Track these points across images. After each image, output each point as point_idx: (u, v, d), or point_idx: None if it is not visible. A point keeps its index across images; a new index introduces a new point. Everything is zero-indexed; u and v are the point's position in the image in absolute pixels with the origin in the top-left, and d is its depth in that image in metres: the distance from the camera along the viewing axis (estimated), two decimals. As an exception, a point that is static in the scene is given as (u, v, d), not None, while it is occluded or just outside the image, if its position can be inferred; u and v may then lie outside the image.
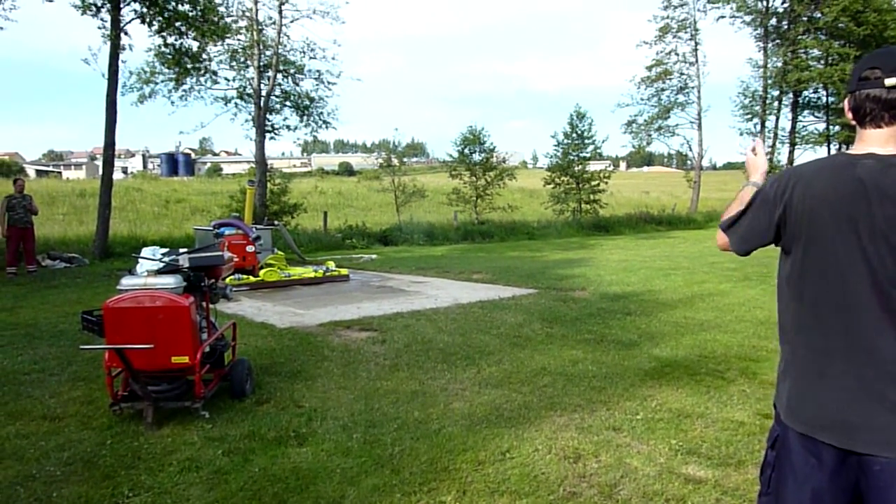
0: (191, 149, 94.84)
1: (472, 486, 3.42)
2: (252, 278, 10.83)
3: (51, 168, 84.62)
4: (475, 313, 7.93)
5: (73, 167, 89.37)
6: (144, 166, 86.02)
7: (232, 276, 10.83)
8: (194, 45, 14.86)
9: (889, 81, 1.76)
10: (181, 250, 4.91)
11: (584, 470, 3.59)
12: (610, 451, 3.83)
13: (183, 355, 4.34)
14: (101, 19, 13.65)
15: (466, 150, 28.36)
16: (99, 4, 13.16)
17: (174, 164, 75.53)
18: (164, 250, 4.85)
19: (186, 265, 4.64)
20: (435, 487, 3.41)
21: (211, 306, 5.21)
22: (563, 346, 6.27)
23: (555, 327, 7.12)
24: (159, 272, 4.47)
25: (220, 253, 4.89)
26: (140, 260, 4.67)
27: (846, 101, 1.95)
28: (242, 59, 22.81)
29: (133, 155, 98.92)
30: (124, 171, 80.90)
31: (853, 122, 1.91)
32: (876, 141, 1.81)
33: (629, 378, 5.24)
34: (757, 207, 2.00)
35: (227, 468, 3.69)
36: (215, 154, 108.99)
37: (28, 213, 13.11)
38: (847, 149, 1.99)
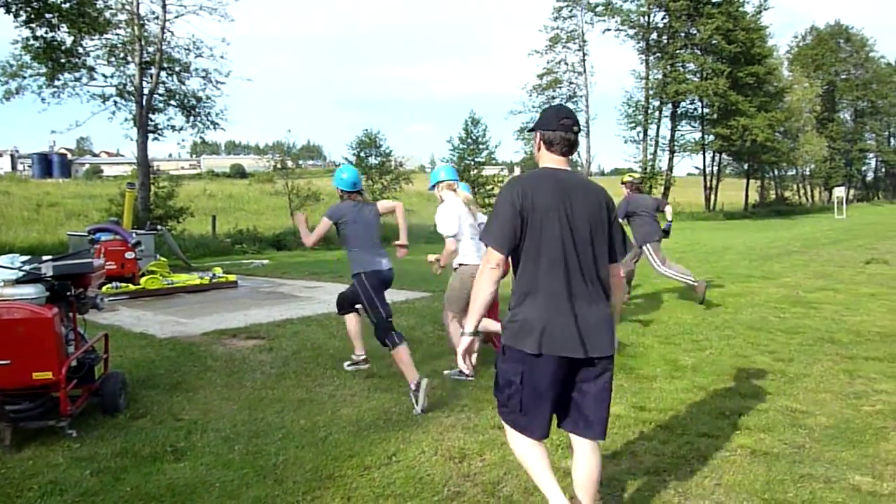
0: (67, 149, 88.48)
1: (357, 492, 3.39)
2: (132, 286, 10.26)
3: None
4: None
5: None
6: (14, 167, 79.41)
7: (110, 285, 10.22)
8: (68, 39, 13.88)
9: (573, 129, 2.79)
10: (44, 258, 4.58)
11: (469, 469, 3.65)
12: (495, 449, 3.91)
13: (45, 371, 4.04)
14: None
15: (362, 154, 28.23)
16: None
17: (48, 164, 70.21)
18: (25, 258, 4.51)
19: (50, 274, 4.33)
20: (319, 496, 3.36)
21: (81, 317, 4.91)
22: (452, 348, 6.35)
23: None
24: (18, 282, 4.15)
25: (88, 260, 4.59)
26: (-3, 269, 4.31)
27: (538, 133, 2.84)
28: (122, 55, 21.61)
29: (1, 155, 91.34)
30: (-9, 172, 74.54)
31: (540, 149, 2.84)
32: (559, 163, 2.82)
33: (515, 377, 5.37)
34: (503, 215, 2.72)
35: (96, 489, 3.47)
36: (95, 155, 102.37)
37: None
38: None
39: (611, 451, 3.86)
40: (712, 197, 44.29)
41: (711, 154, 43.85)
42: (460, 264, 5.69)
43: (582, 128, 3.39)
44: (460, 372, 3.24)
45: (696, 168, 45.88)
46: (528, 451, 2.86)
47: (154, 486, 3.48)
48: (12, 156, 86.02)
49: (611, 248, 2.84)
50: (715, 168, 45.24)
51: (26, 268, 4.31)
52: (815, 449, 3.85)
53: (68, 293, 4.43)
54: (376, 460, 3.77)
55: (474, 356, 3.57)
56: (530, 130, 2.99)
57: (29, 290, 4.08)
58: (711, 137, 40.42)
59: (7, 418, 3.99)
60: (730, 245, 18.48)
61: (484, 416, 4.46)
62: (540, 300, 2.68)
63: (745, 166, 48.03)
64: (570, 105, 36.80)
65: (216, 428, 4.31)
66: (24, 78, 19.03)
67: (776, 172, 53.23)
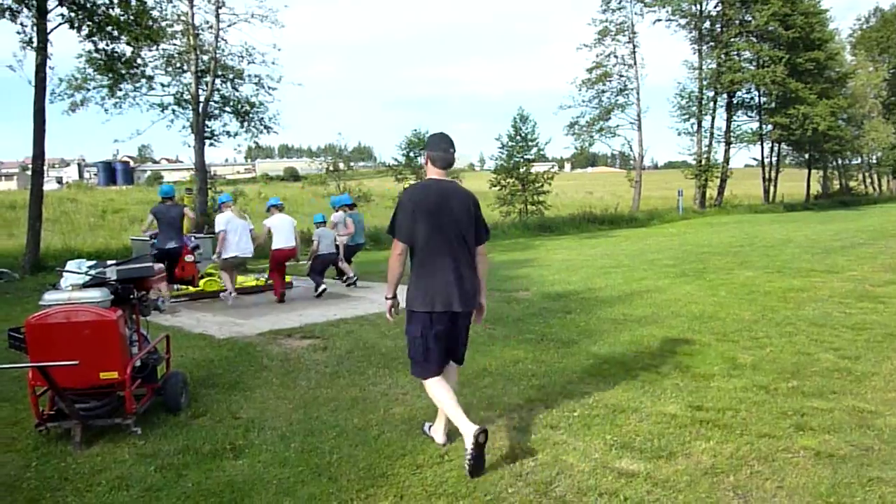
0: (129, 157, 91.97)
1: (409, 491, 3.42)
2: (191, 288, 10.57)
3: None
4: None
5: (3, 178, 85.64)
6: (80, 176, 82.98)
7: (171, 287, 10.56)
8: (128, 51, 14.39)
9: (450, 151, 3.92)
10: (109, 262, 4.77)
11: (521, 469, 3.64)
12: (547, 448, 3.89)
13: (112, 371, 4.20)
14: (22, 24, 13.11)
15: (412, 154, 28.39)
16: (14, 8, 12.61)
17: (112, 172, 73.06)
18: (91, 263, 4.69)
19: (114, 278, 4.51)
20: (372, 494, 3.40)
21: (144, 319, 5.10)
22: (504, 347, 6.34)
23: (497, 328, 7.19)
24: (85, 286, 4.33)
25: (149, 264, 4.76)
26: (64, 274, 4.51)
27: (427, 154, 3.97)
28: (178, 65, 22.28)
29: (68, 164, 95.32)
30: (59, 181, 77.89)
31: (427, 164, 3.97)
32: (440, 174, 3.93)
33: (568, 376, 5.33)
34: (403, 215, 3.82)
35: (159, 485, 3.60)
36: (155, 161, 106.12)
37: None
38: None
39: (666, 451, 3.79)
40: (771, 189, 42.89)
41: (770, 144, 42.46)
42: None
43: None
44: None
45: (754, 159, 44.56)
46: (439, 390, 3.88)
47: (214, 483, 3.58)
48: (79, 165, 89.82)
49: (477, 235, 3.97)
50: (774, 159, 43.78)
51: (92, 272, 4.49)
52: (885, 451, 3.70)
53: (131, 296, 4.61)
54: (428, 459, 3.79)
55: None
56: (422, 149, 4.73)
57: (95, 294, 4.25)
58: (770, 127, 39.11)
59: (77, 416, 4.17)
60: (791, 238, 17.87)
61: (536, 415, 4.44)
62: (431, 275, 3.82)
63: (807, 156, 46.32)
64: (621, 98, 36.45)
65: (273, 426, 4.41)
66: (88, 90, 19.88)
67: (840, 162, 51.19)
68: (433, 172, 3.95)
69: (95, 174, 77.52)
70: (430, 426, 4.21)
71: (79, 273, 4.47)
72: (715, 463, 3.61)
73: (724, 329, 6.84)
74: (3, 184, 75.65)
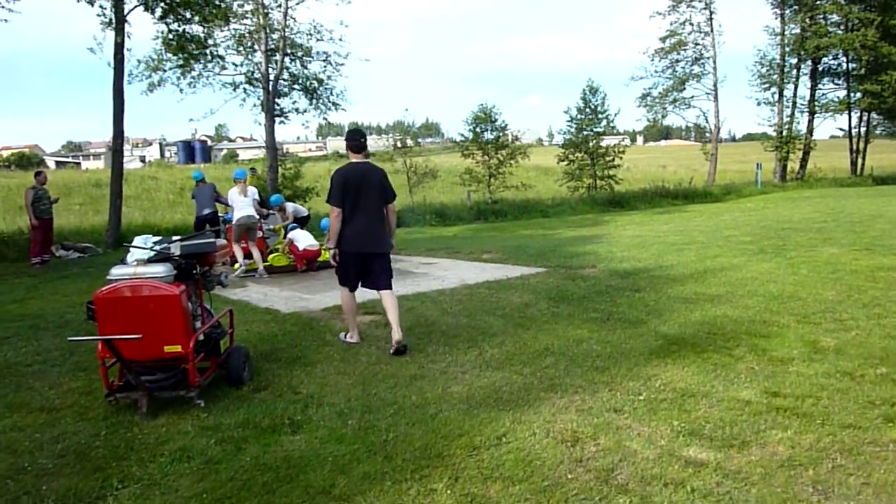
0: (207, 136, 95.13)
1: (464, 473, 3.33)
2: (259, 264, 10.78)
3: (70, 159, 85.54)
4: (481, 294, 7.82)
5: (91, 157, 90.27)
6: (162, 155, 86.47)
7: (238, 263, 10.81)
8: (199, 31, 14.71)
9: (361, 141, 5.76)
10: (174, 238, 4.85)
11: (582, 454, 3.49)
12: (609, 433, 3.72)
13: (175, 344, 4.28)
14: (101, 6, 13.56)
15: (478, 129, 28.10)
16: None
17: (191, 151, 75.66)
18: (156, 239, 4.79)
19: (178, 253, 4.58)
20: (427, 475, 3.33)
21: (211, 293, 5.20)
22: (568, 326, 6.15)
23: (561, 306, 7.00)
24: (149, 261, 4.41)
25: (211, 240, 4.81)
26: (131, 249, 4.61)
27: (347, 144, 5.79)
28: (249, 44, 22.71)
29: (150, 144, 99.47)
30: (142, 159, 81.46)
31: (349, 151, 5.75)
32: (358, 158, 5.67)
33: (634, 357, 5.11)
34: (337, 187, 5.52)
35: (219, 457, 3.64)
36: (231, 140, 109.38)
37: (51, 205, 13.36)
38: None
39: (738, 440, 3.56)
40: (859, 161, 40.36)
41: (858, 114, 39.84)
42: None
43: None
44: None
45: (841, 130, 41.95)
46: (348, 300, 5.86)
47: (272, 458, 3.60)
48: (160, 144, 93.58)
49: (385, 198, 5.69)
50: (862, 129, 41.11)
51: (157, 248, 4.58)
52: None
53: (194, 271, 4.67)
54: (485, 440, 3.69)
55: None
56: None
57: (159, 269, 4.33)
58: (858, 95, 36.67)
59: (143, 388, 4.28)
60: (881, 213, 16.73)
61: (599, 398, 4.27)
62: (353, 227, 5.57)
63: (900, 126, 43.36)
64: (696, 68, 35.03)
65: (331, 402, 4.40)
66: (165, 71, 20.54)
67: (937, 131, 47.58)
68: (353, 157, 5.72)
69: (175, 153, 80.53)
70: (346, 335, 5.94)
71: (144, 248, 4.56)
72: (792, 455, 3.36)
73: (804, 310, 6.42)
74: (91, 163, 79.66)
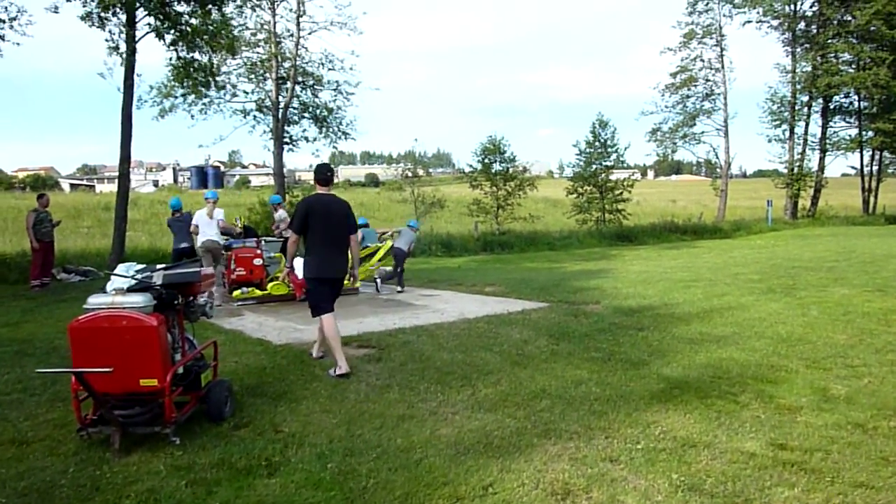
0: (220, 161, 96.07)
1: (445, 527, 3.10)
2: (258, 291, 10.64)
3: (84, 182, 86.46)
4: (480, 329, 7.61)
5: (105, 180, 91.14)
6: (175, 179, 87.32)
7: (239, 290, 10.67)
8: (205, 59, 14.80)
9: (328, 174, 6.25)
10: (158, 267, 4.70)
11: (572, 508, 3.26)
12: (603, 486, 3.49)
13: (151, 378, 4.10)
14: (110, 31, 13.67)
15: (487, 160, 28.07)
16: (102, 16, 13.16)
17: (203, 176, 76.33)
18: (139, 267, 4.64)
19: (159, 282, 4.42)
20: (405, 528, 3.10)
21: (206, 321, 5.05)
22: (567, 365, 5.92)
23: (561, 344, 6.77)
24: (129, 290, 4.26)
25: (195, 269, 4.66)
26: (112, 277, 4.46)
27: (315, 177, 6.23)
28: (261, 72, 22.92)
29: (164, 168, 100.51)
30: (155, 183, 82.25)
31: (315, 183, 6.20)
32: (324, 189, 6.08)
33: (634, 401, 4.87)
34: (299, 216, 5.90)
35: (188, 501, 3.44)
36: (244, 166, 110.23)
37: (53, 228, 13.32)
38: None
39: (742, 496, 3.32)
40: (871, 199, 40.03)
41: (871, 152, 39.64)
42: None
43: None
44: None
45: (853, 168, 41.69)
46: (328, 323, 5.97)
47: (243, 503, 3.39)
48: (174, 169, 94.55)
49: (348, 229, 6.03)
50: (875, 167, 40.86)
51: (138, 276, 4.42)
52: None
53: (176, 301, 4.51)
54: (470, 490, 3.46)
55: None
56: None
57: (137, 299, 4.16)
58: (870, 134, 36.49)
59: (116, 423, 4.09)
60: (893, 253, 16.43)
61: (595, 445, 4.03)
62: (318, 255, 5.92)
63: (913, 165, 43.08)
64: (706, 104, 35.05)
65: (313, 443, 4.19)
66: (176, 97, 20.69)
67: (950, 171, 47.21)
68: (320, 189, 6.12)
69: (189, 178, 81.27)
70: (334, 370, 5.81)
71: (125, 277, 4.40)
72: (799, 516, 3.12)
73: (814, 354, 6.17)
74: (105, 186, 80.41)
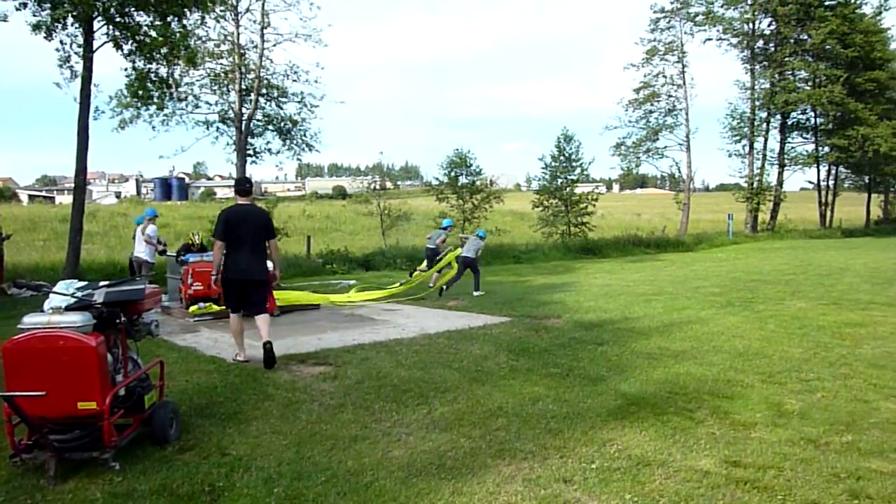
0: (185, 173, 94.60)
1: (392, 555, 3.00)
2: (215, 307, 10.38)
3: (43, 193, 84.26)
4: (440, 345, 7.52)
5: (66, 192, 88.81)
6: (138, 191, 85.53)
7: (196, 305, 10.42)
8: (163, 71, 14.51)
9: (246, 186, 6.99)
10: (100, 284, 4.52)
11: (523, 532, 3.18)
12: (556, 508, 3.42)
13: (90, 400, 3.92)
14: (61, 41, 13.33)
15: (453, 173, 28.10)
16: (50, 26, 12.82)
17: (168, 188, 74.99)
18: (81, 284, 4.45)
19: (100, 300, 4.24)
20: (350, 556, 2.99)
21: (158, 338, 4.88)
22: (525, 382, 5.86)
23: (521, 360, 6.72)
24: (67, 309, 4.07)
25: (139, 287, 4.49)
26: (50, 295, 4.27)
27: (234, 188, 7.19)
28: (225, 83, 22.61)
29: (127, 180, 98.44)
30: (117, 195, 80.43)
31: (236, 194, 6.97)
32: (244, 200, 6.77)
33: (590, 419, 4.83)
34: (221, 224, 6.56)
35: (123, 532, 3.26)
36: (209, 178, 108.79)
37: (2, 241, 12.86)
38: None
39: (694, 517, 3.27)
40: (828, 213, 41.14)
41: (827, 167, 40.81)
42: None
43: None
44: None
45: (810, 182, 42.79)
46: (235, 322, 6.81)
47: (181, 533, 3.23)
48: (137, 180, 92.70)
49: (266, 236, 6.72)
50: (831, 182, 42.05)
51: (78, 294, 4.24)
52: (958, 529, 3.11)
53: (118, 320, 4.34)
54: (420, 515, 3.36)
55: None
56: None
57: (75, 318, 3.98)
58: (826, 149, 37.58)
59: (52, 448, 3.89)
60: (848, 266, 16.84)
61: (549, 465, 3.97)
62: (234, 258, 6.56)
63: (867, 179, 44.42)
64: (669, 119, 35.68)
65: (260, 466, 4.04)
66: (137, 108, 20.25)
67: (903, 186, 48.81)
68: (240, 199, 6.78)
69: (152, 189, 79.75)
70: (236, 354, 6.90)
71: (64, 295, 4.22)
72: (751, 536, 3.09)
73: (770, 368, 6.22)
74: (66, 197, 78.39)
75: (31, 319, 4.01)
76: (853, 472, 3.78)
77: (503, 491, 3.63)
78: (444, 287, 12.81)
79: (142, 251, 12.73)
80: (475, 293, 12.52)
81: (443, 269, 13.59)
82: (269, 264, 7.13)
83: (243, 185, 7.00)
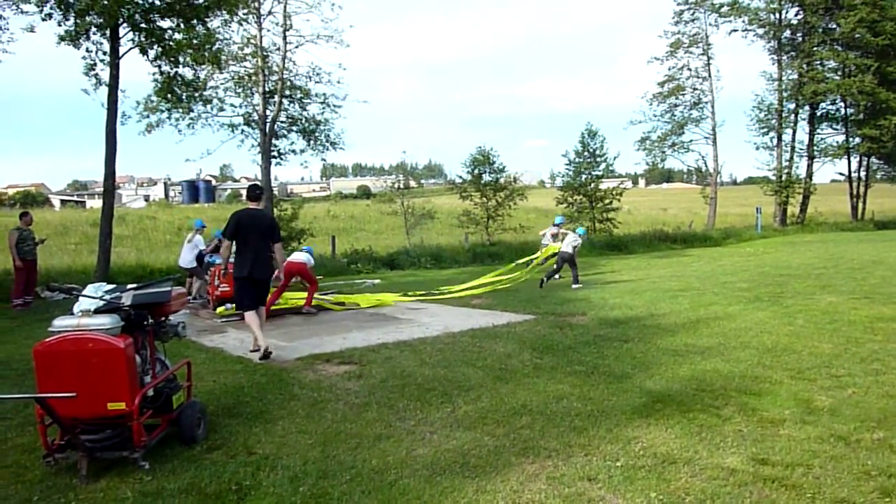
0: (212, 175, 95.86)
1: (416, 553, 3.01)
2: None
3: (75, 198, 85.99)
4: (464, 343, 7.52)
5: (96, 196, 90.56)
6: (166, 195, 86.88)
7: (223, 306, 10.56)
8: (189, 74, 14.71)
9: (256, 192, 7.51)
10: (128, 287, 4.61)
11: (547, 531, 3.17)
12: (580, 506, 3.41)
13: (119, 401, 4.00)
14: (87, 49, 13.57)
15: (477, 171, 28.06)
16: (75, 34, 13.05)
17: (195, 191, 76.01)
18: (110, 287, 4.54)
19: (127, 303, 4.33)
20: (374, 555, 3.01)
21: (185, 340, 5.00)
22: (549, 380, 5.84)
23: (545, 357, 6.70)
24: (96, 311, 4.16)
25: (165, 289, 4.56)
26: (79, 298, 4.36)
27: (246, 195, 7.66)
28: (248, 86, 22.85)
29: (155, 183, 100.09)
30: (146, 199, 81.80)
31: (246, 199, 7.59)
32: (253, 205, 7.30)
33: (615, 417, 4.80)
34: (231, 226, 7.14)
35: (153, 530, 3.33)
36: (235, 180, 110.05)
37: (35, 246, 13.16)
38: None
39: (720, 516, 3.24)
40: (860, 205, 40.25)
41: (858, 158, 39.89)
42: None
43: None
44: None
45: (841, 174, 41.90)
46: (252, 318, 7.14)
47: (209, 531, 3.29)
48: (165, 184, 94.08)
49: (272, 238, 7.24)
50: (862, 173, 41.11)
51: (107, 297, 4.33)
52: None
53: (145, 322, 4.42)
54: (444, 514, 3.38)
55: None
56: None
57: (104, 321, 4.07)
58: (857, 140, 36.75)
59: (83, 448, 3.98)
60: (881, 259, 16.47)
61: (573, 463, 3.95)
62: (243, 257, 7.08)
63: (900, 170, 43.36)
64: (694, 112, 35.19)
65: (286, 465, 4.09)
66: (162, 112, 20.57)
67: (938, 176, 47.61)
68: (251, 204, 7.31)
69: (180, 192, 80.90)
70: (251, 348, 7.35)
71: (93, 298, 4.31)
72: (778, 535, 3.05)
73: (799, 364, 6.11)
74: (97, 202, 79.89)
75: (61, 322, 4.11)
76: (884, 469, 3.71)
77: (527, 489, 3.63)
78: (545, 279, 13.60)
79: (189, 260, 13.36)
80: (574, 286, 13.08)
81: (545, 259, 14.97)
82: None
83: (254, 191, 7.49)
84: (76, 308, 4.26)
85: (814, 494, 3.44)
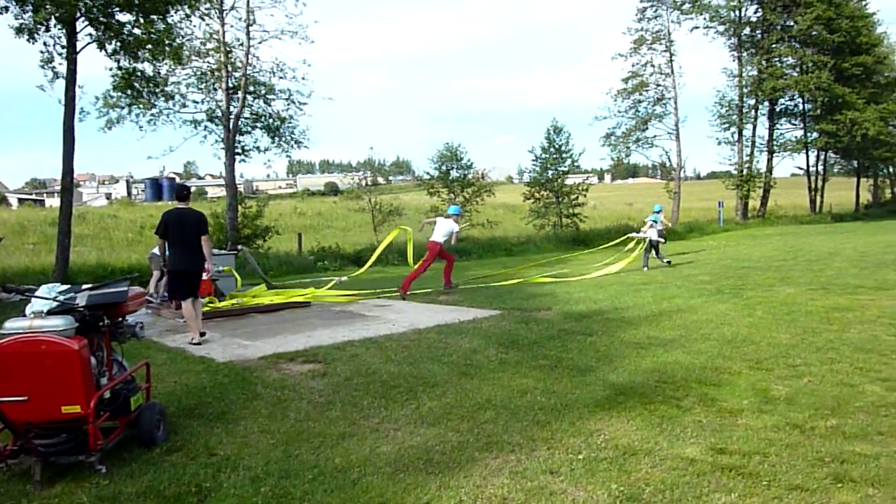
0: (176, 173, 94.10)
1: (378, 551, 3.00)
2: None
3: (33, 196, 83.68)
4: (430, 339, 7.52)
5: (55, 195, 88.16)
6: (128, 192, 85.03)
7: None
8: (148, 69, 14.42)
9: (183, 193, 8.28)
10: (83, 287, 4.49)
11: (509, 525, 3.19)
12: (542, 499, 3.43)
13: (74, 404, 3.90)
14: (44, 43, 13.22)
15: (444, 167, 28.10)
16: (32, 29, 12.71)
17: (158, 189, 74.47)
18: (64, 287, 4.42)
19: (82, 304, 4.22)
20: (336, 553, 2.99)
21: (144, 339, 4.96)
22: (514, 375, 5.88)
23: (510, 352, 6.73)
24: (49, 313, 4.05)
25: (121, 289, 4.47)
26: (32, 300, 4.24)
27: (174, 195, 9.76)
28: (211, 82, 22.50)
29: (117, 181, 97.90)
30: (108, 197, 79.99)
31: (174, 199, 9.07)
32: (181, 204, 7.99)
33: (578, 410, 4.84)
34: (162, 225, 7.82)
35: (109, 535, 3.26)
36: (200, 178, 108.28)
37: None
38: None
39: (679, 505, 3.29)
40: (818, 198, 41.33)
41: (816, 152, 40.99)
42: None
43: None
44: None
45: (799, 168, 42.97)
46: (188, 308, 7.83)
47: (168, 535, 3.23)
48: (127, 181, 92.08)
49: (199, 234, 7.78)
50: (820, 167, 42.24)
51: (60, 298, 4.22)
52: (939, 510, 3.14)
53: (101, 323, 4.32)
54: (407, 510, 3.37)
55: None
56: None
57: (57, 322, 3.97)
58: (815, 135, 37.77)
59: (37, 453, 3.88)
60: (838, 251, 16.93)
61: (536, 457, 3.98)
62: (175, 253, 7.79)
63: (855, 164, 44.65)
64: (658, 108, 35.71)
65: (247, 465, 4.04)
66: (123, 108, 20.14)
67: (891, 169, 49.19)
68: (179, 204, 7.93)
69: (143, 190, 79.28)
70: (192, 338, 7.81)
71: (47, 299, 4.19)
72: (735, 522, 3.11)
73: (757, 355, 6.25)
74: (55, 200, 77.86)
75: (12, 325, 3.99)
76: (837, 455, 3.81)
77: (490, 484, 3.64)
78: (668, 262, 15.55)
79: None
80: (663, 261, 15.42)
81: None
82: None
83: (182, 192, 8.26)
84: (28, 309, 4.14)
85: (769, 482, 3.51)
